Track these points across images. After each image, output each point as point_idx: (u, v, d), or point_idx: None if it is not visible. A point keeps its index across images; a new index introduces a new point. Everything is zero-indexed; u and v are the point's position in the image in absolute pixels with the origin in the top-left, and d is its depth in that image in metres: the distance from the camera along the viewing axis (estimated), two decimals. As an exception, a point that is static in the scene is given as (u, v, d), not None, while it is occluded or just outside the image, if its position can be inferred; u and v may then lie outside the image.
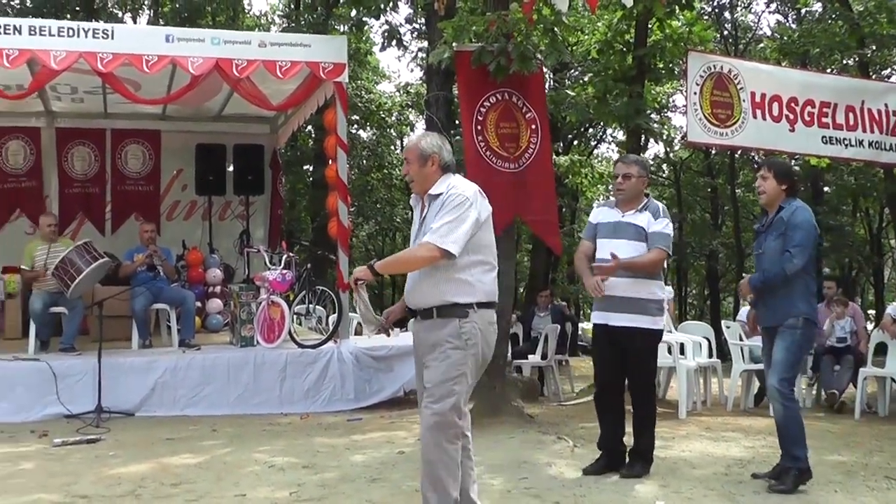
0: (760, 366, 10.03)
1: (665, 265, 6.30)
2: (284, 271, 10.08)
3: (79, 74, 10.30)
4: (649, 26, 11.73)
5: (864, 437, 8.24)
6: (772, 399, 6.08)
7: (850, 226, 26.76)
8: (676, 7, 11.51)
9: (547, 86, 12.98)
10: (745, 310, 10.08)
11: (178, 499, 5.64)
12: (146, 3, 24.06)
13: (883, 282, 31.74)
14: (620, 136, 25.76)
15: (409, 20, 21.65)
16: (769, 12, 36.67)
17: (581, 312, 33.61)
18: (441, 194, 4.47)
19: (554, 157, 13.99)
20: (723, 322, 11.03)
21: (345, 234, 10.23)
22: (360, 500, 5.54)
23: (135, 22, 24.04)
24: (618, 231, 6.20)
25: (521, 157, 8.60)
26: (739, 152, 24.24)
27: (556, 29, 8.78)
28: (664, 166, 33.72)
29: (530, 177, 8.75)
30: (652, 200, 6.31)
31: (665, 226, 6.14)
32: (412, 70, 40.49)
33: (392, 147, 29.34)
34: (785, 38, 21.26)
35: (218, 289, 12.55)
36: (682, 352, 9.95)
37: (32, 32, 9.38)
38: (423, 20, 19.44)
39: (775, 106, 10.31)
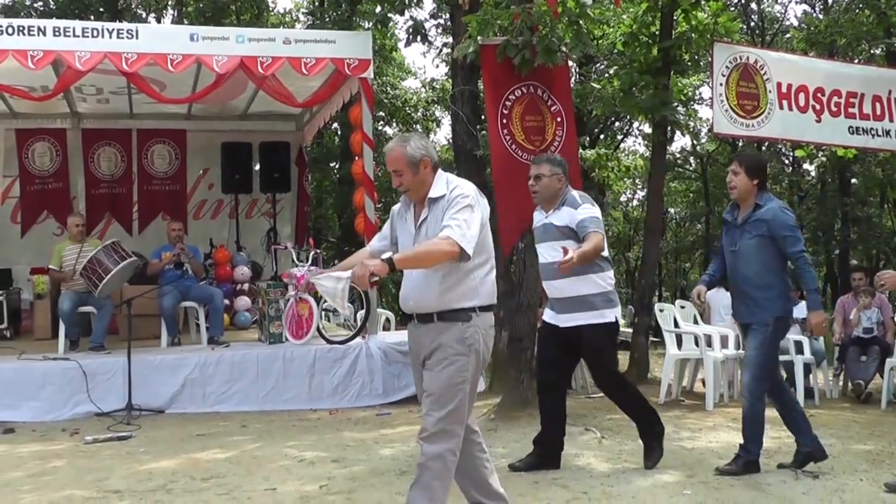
0: (787, 357, 10.04)
1: (606, 250, 6.01)
2: (312, 268, 10.11)
3: (104, 75, 10.34)
4: (675, 18, 11.65)
5: (889, 426, 8.23)
6: (743, 395, 6.18)
7: (878, 217, 26.55)
8: (702, -2, 11.47)
9: (572, 80, 12.91)
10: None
11: (209, 492, 5.68)
12: (170, 2, 24.19)
13: (912, 273, 31.37)
14: (647, 128, 25.63)
15: (433, 15, 21.64)
16: (796, 2, 36.41)
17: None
18: (443, 196, 4.26)
19: (580, 150, 13.94)
20: (720, 311, 10.99)
21: (372, 229, 10.22)
22: (390, 492, 5.56)
23: (158, 22, 24.20)
24: (546, 233, 6.16)
25: (546, 150, 8.57)
26: (766, 144, 24.09)
27: (580, 21, 8.74)
28: (691, 159, 33.52)
29: (556, 170, 8.72)
30: (569, 193, 6.13)
31: (587, 210, 5.96)
32: (437, 66, 40.47)
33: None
34: (812, 28, 21.07)
35: (246, 286, 12.61)
36: (708, 344, 9.90)
37: (57, 33, 9.43)
38: (447, 15, 19.40)
39: (802, 96, 10.24)
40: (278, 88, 10.30)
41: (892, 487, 5.53)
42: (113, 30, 9.65)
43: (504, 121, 8.48)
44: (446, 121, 30.26)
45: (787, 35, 26.79)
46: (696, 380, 10.85)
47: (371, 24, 20.79)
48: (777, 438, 7.24)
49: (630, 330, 13.05)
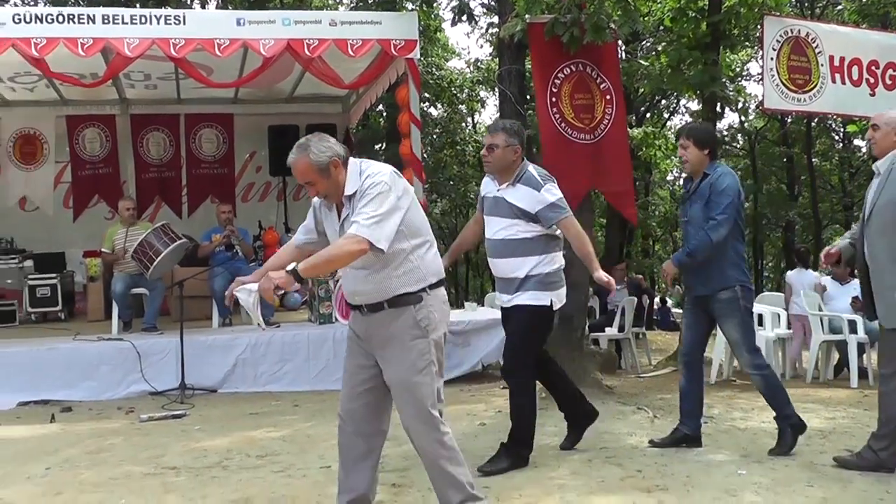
0: (840, 336, 9.92)
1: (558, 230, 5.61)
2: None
3: (152, 61, 10.43)
4: (723, -9, 11.54)
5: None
6: (751, 376, 6.07)
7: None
8: (750, -29, 11.29)
9: (619, 57, 12.82)
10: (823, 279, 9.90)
11: (265, 469, 5.73)
12: (214, -12, 24.34)
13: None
14: (694, 105, 25.39)
15: (478, -5, 21.58)
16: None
17: (657, 286, 33.29)
18: (356, 192, 4.05)
19: (627, 129, 13.86)
20: (801, 292, 10.83)
21: (420, 210, 10.24)
22: (442, 470, 5.56)
23: (203, 7, 24.32)
24: (496, 207, 5.70)
25: (596, 128, 8.53)
26: (816, 120, 23.77)
27: (628, -2, 8.70)
28: (739, 136, 33.19)
29: (606, 147, 8.70)
30: (527, 169, 5.66)
31: (551, 194, 5.55)
32: (482, 46, 40.31)
33: (463, 124, 29.34)
34: (863, -1, 20.74)
35: (295, 267, 12.65)
36: (760, 323, 9.81)
37: (106, 21, 9.51)
38: (492, -5, 19.35)
39: (855, 70, 10.09)
40: (325, 70, 10.31)
41: (843, 462, 5.47)
42: (160, 16, 9.73)
43: (553, 99, 8.45)
44: (491, 101, 30.25)
45: (839, 7, 26.33)
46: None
47: (416, 4, 20.78)
48: (831, 419, 7.19)
49: (680, 310, 12.98)
